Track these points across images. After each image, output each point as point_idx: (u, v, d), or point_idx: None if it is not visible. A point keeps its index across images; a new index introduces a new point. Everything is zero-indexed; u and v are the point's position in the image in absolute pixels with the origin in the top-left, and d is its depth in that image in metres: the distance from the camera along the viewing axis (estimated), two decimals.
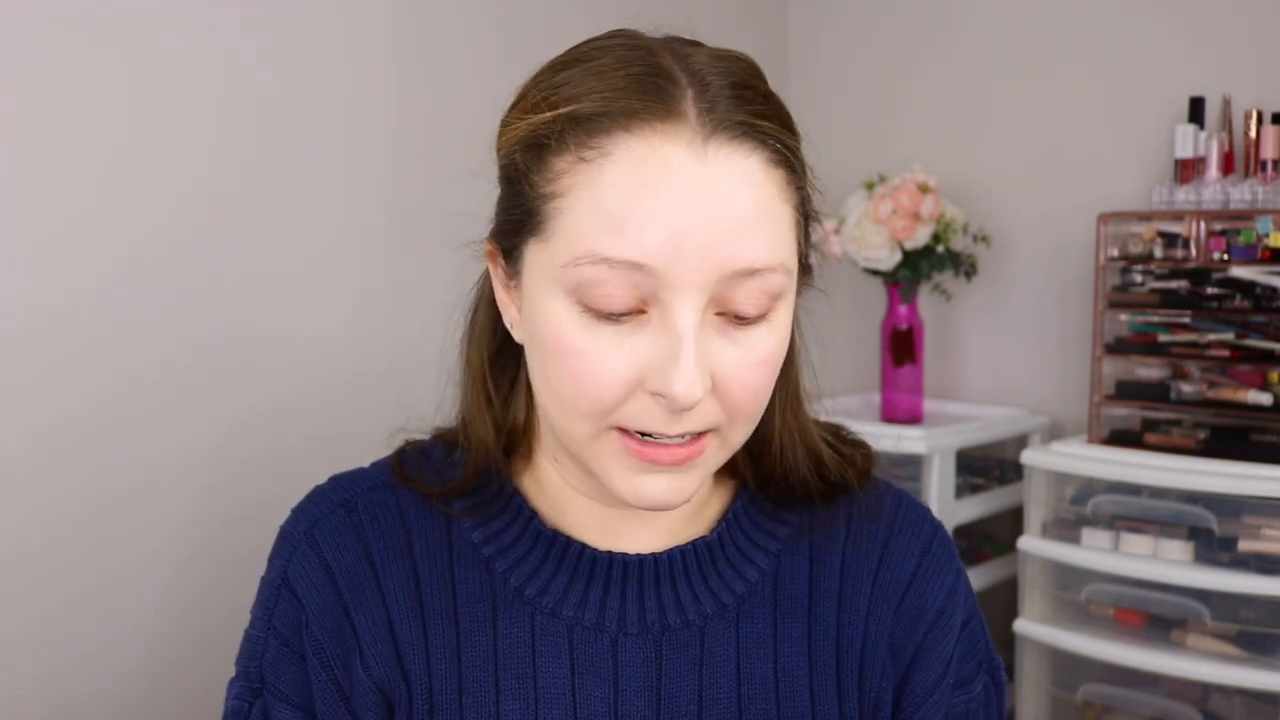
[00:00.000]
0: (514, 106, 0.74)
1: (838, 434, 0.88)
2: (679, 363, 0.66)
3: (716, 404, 0.70)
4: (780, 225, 0.68)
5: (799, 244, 0.72)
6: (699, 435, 0.70)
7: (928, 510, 0.88)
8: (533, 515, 0.80)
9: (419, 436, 0.87)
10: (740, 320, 0.69)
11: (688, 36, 0.75)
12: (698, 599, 0.80)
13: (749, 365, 0.69)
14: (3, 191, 1.25)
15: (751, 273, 0.67)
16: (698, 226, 0.65)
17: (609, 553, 0.79)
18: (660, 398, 0.67)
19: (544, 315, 0.69)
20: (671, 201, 0.64)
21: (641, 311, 0.67)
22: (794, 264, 0.71)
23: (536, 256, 0.70)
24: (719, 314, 0.68)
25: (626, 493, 0.71)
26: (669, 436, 0.69)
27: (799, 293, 0.77)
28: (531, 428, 0.82)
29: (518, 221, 0.71)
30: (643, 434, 0.69)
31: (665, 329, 0.67)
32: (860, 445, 0.88)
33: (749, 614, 0.80)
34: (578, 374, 0.68)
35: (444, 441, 0.85)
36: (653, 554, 0.80)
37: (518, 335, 0.76)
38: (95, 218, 1.32)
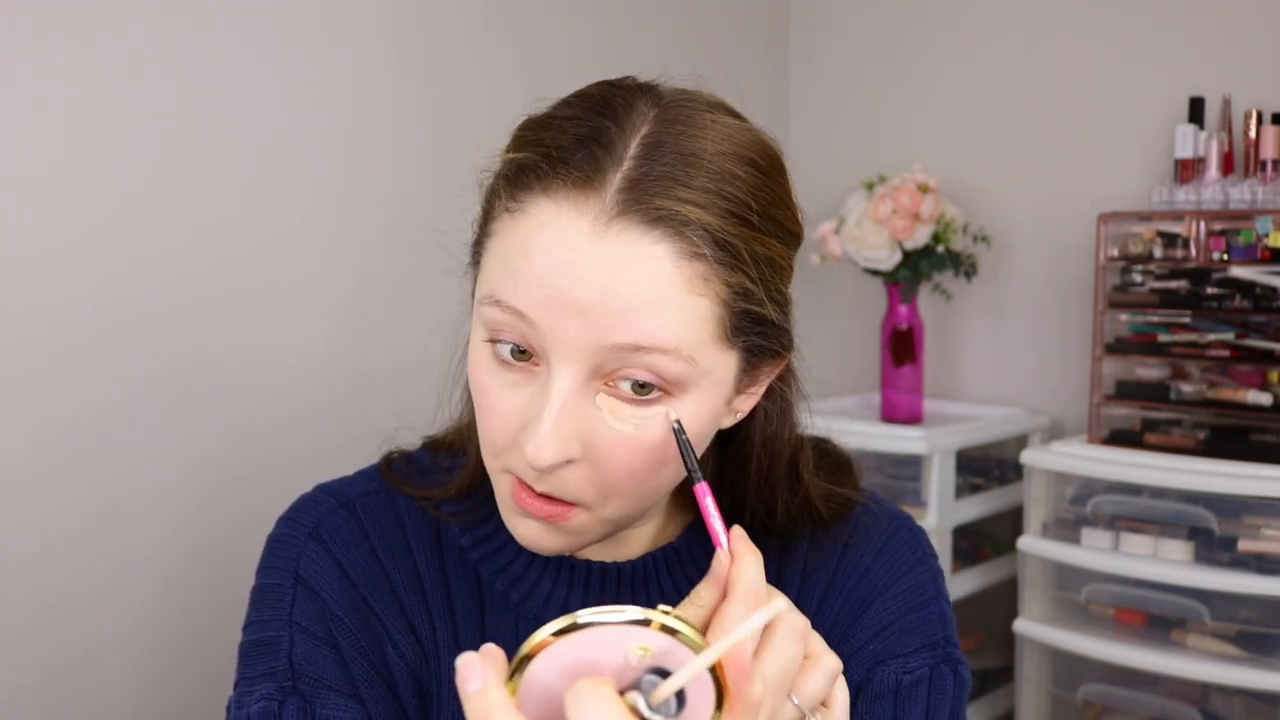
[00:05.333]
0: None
1: (822, 449, 0.89)
2: (537, 423, 0.66)
3: (590, 478, 0.69)
4: (683, 314, 0.66)
5: (726, 336, 0.68)
6: (564, 503, 0.70)
7: (897, 513, 0.88)
8: None
9: (406, 447, 0.88)
10: (634, 396, 0.67)
11: (720, 99, 0.73)
12: (667, 602, 0.81)
13: (628, 446, 0.68)
14: (3, 204, 1.25)
15: (635, 349, 0.65)
16: (580, 295, 0.64)
17: (586, 560, 0.81)
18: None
19: (471, 343, 0.72)
20: (559, 267, 0.65)
21: (537, 364, 0.68)
22: (706, 357, 0.67)
23: (476, 286, 0.73)
24: (610, 386, 0.67)
25: (512, 530, 0.74)
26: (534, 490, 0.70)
27: (779, 375, 0.77)
28: None
29: (473, 251, 0.75)
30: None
31: (544, 388, 0.67)
32: (845, 466, 0.89)
33: None
34: (482, 410, 0.71)
35: (435, 449, 0.87)
36: (629, 561, 0.82)
37: None
38: (96, 232, 1.32)
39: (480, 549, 0.82)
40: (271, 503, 0.91)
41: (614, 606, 0.53)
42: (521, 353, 0.68)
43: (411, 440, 0.89)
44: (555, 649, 0.52)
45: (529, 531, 0.72)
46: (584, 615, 0.52)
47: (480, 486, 0.82)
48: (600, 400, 0.68)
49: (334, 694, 0.76)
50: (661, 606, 0.54)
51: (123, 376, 1.35)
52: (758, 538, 0.83)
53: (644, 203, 0.65)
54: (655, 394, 0.67)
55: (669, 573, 0.83)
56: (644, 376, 0.67)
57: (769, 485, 0.82)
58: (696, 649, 0.52)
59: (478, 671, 0.52)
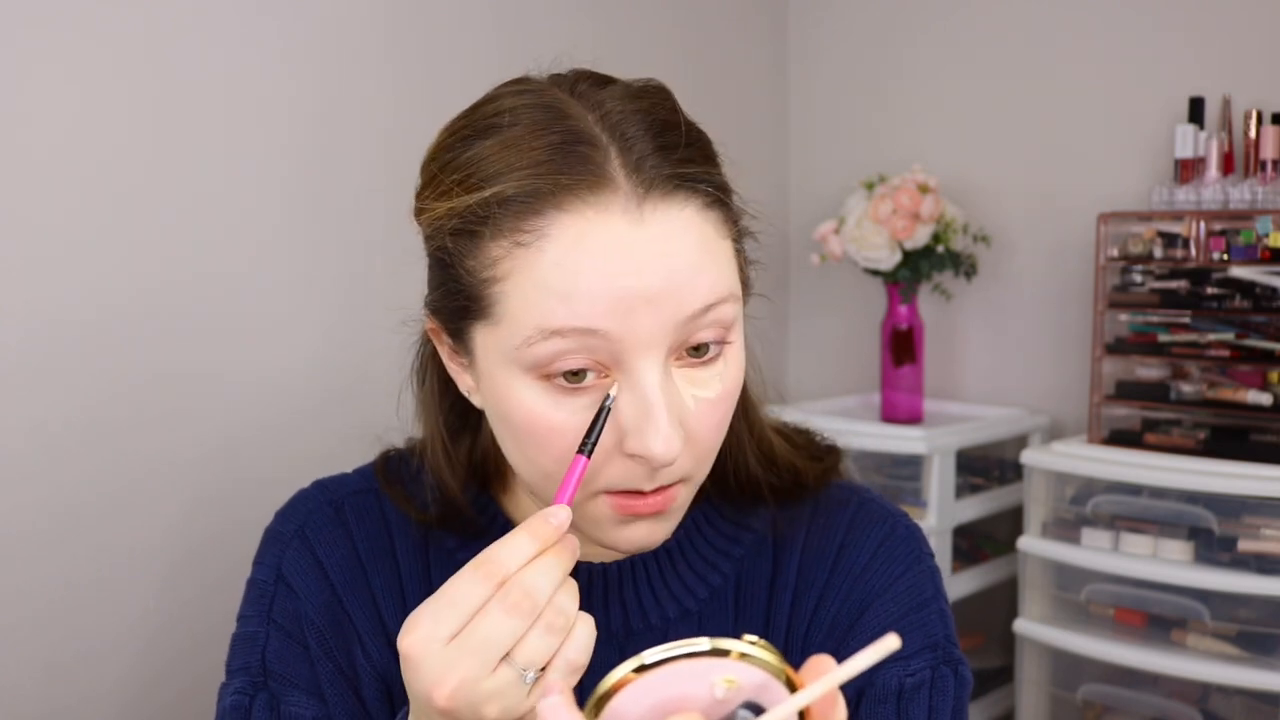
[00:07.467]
0: (427, 184, 0.72)
1: (807, 437, 0.89)
2: (653, 422, 0.65)
3: (689, 451, 0.70)
4: (723, 259, 0.69)
5: (741, 269, 0.72)
6: (668, 485, 0.71)
7: (893, 511, 0.88)
8: (506, 524, 0.82)
9: (398, 445, 0.88)
10: (696, 360, 0.69)
11: (590, 68, 0.74)
12: (659, 603, 0.81)
13: (711, 405, 0.70)
14: (3, 205, 1.25)
15: (706, 309, 0.67)
16: (646, 285, 0.64)
17: (575, 562, 0.80)
18: (639, 458, 0.67)
19: (510, 397, 0.68)
20: (616, 268, 0.64)
21: (605, 376, 0.67)
22: (739, 289, 0.71)
23: (487, 339, 0.68)
24: (679, 360, 0.68)
25: (616, 542, 0.73)
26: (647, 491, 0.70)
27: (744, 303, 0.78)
28: (505, 464, 0.82)
29: (460, 307, 0.70)
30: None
31: (633, 391, 0.66)
32: (829, 450, 0.89)
33: (712, 617, 0.82)
34: (559, 452, 0.67)
35: (418, 455, 0.86)
36: (616, 562, 0.81)
37: (476, 402, 0.75)
38: (93, 234, 1.32)
39: (468, 550, 0.81)
40: (268, 502, 0.91)
41: (688, 641, 0.51)
42: (575, 374, 0.66)
43: (399, 439, 0.89)
44: (636, 686, 0.50)
45: (639, 533, 0.72)
46: (651, 655, 0.50)
47: (462, 512, 0.82)
48: (677, 376, 0.68)
49: (299, 691, 0.78)
50: (747, 637, 0.51)
51: (118, 378, 1.35)
52: (748, 508, 0.84)
53: (657, 175, 0.66)
54: (713, 351, 0.69)
55: (659, 574, 0.82)
56: (710, 335, 0.68)
57: (731, 430, 0.80)
58: (779, 676, 0.51)
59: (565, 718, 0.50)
